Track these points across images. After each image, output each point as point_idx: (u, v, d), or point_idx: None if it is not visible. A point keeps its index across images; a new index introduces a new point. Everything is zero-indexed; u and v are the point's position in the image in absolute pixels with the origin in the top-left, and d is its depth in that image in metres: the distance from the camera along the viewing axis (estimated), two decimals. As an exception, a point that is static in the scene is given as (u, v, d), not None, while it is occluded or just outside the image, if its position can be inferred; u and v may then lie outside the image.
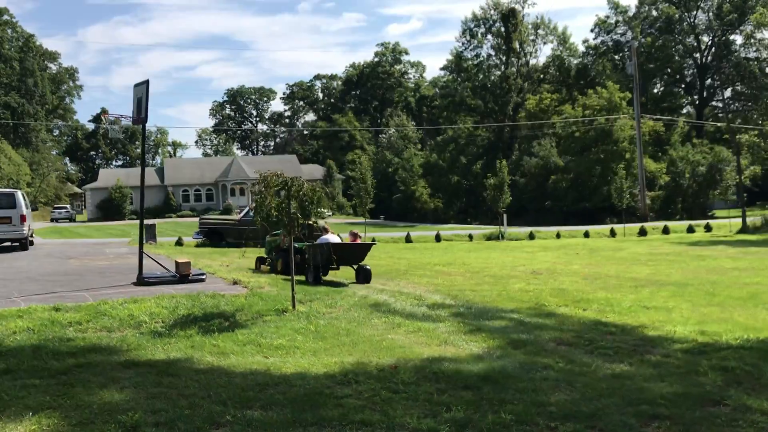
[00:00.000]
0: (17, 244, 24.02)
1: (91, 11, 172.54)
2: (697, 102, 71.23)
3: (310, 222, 10.61)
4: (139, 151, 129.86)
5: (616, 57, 71.82)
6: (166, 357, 7.24)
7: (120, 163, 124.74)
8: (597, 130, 51.52)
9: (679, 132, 61.30)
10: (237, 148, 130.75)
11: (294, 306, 9.86)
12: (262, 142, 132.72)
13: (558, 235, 36.07)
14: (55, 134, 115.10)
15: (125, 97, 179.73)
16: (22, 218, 23.51)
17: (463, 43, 70.59)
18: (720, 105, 71.41)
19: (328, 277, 14.51)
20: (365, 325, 9.05)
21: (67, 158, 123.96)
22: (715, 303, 11.17)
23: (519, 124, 63.93)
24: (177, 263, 12.76)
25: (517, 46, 68.50)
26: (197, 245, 27.76)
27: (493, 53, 69.79)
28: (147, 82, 11.98)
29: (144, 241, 28.82)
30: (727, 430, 5.04)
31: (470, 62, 70.39)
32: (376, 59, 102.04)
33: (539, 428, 5.02)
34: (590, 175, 51.83)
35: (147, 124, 12.77)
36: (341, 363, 6.91)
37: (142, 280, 12.36)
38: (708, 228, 37.49)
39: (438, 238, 33.52)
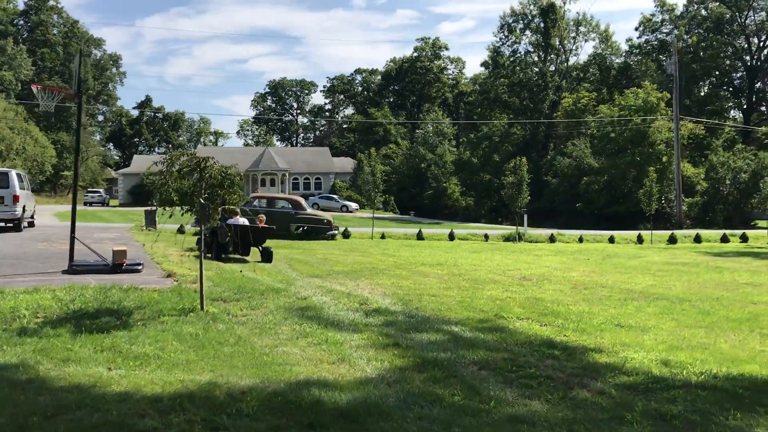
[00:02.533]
0: (11, 224, 23.48)
1: (151, 2, 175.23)
2: (744, 106, 67.86)
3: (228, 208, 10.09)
4: (182, 139, 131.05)
5: (662, 57, 68.88)
6: (-7, 362, 6.10)
7: (163, 149, 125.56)
8: (632, 132, 49.14)
9: (724, 137, 58.40)
10: (277, 140, 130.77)
11: (203, 306, 8.66)
12: (302, 135, 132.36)
13: (581, 239, 34.23)
14: (99, 120, 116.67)
15: (179, 87, 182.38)
16: (15, 198, 22.97)
17: (500, 39, 68.67)
18: (769, 110, 67.92)
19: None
20: (267, 333, 7.78)
21: (111, 144, 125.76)
22: (705, 324, 9.61)
23: (552, 121, 61.84)
24: (113, 252, 11.70)
25: (557, 43, 66.31)
26: (195, 233, 26.88)
27: (531, 49, 67.70)
28: (80, 53, 10.91)
29: (144, 227, 28.12)
30: None
31: (507, 58, 68.36)
32: (416, 54, 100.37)
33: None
34: (624, 178, 49.53)
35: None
36: (187, 382, 5.67)
37: (71, 269, 11.33)
38: (744, 238, 35.16)
39: (451, 237, 32.03)
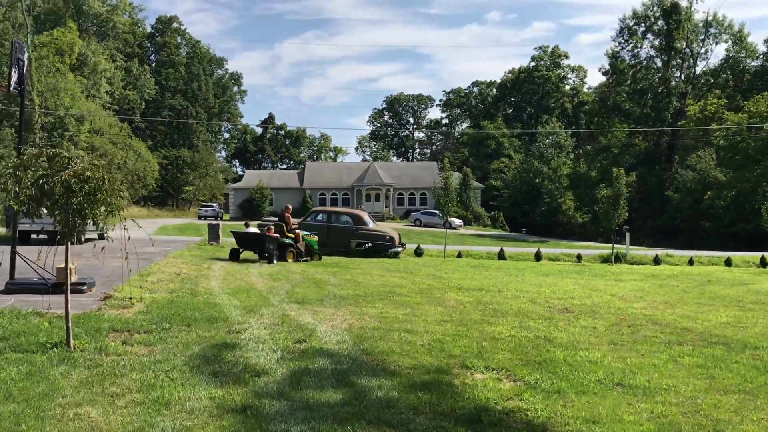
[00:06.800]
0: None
1: (289, 26, 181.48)
2: None
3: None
4: (303, 155, 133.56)
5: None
6: None
7: (284, 166, 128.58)
8: (764, 140, 43.69)
9: None
10: (393, 155, 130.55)
11: (68, 342, 7.06)
12: (417, 150, 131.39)
13: (691, 261, 30.25)
14: (225, 137, 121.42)
15: (313, 107, 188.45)
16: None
17: (619, 43, 64.28)
18: None
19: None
20: (102, 383, 5.99)
21: (236, 160, 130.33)
22: (750, 387, 6.90)
23: (674, 129, 56.69)
24: (57, 269, 10.48)
25: (682, 46, 60.98)
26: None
27: (653, 54, 62.75)
28: (13, 43, 9.77)
29: (207, 242, 27.48)
30: None
31: (627, 64, 63.76)
32: (533, 64, 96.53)
33: None
34: (754, 192, 44.12)
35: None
36: None
37: (7, 288, 10.21)
38: None
39: (538, 257, 29.17)
